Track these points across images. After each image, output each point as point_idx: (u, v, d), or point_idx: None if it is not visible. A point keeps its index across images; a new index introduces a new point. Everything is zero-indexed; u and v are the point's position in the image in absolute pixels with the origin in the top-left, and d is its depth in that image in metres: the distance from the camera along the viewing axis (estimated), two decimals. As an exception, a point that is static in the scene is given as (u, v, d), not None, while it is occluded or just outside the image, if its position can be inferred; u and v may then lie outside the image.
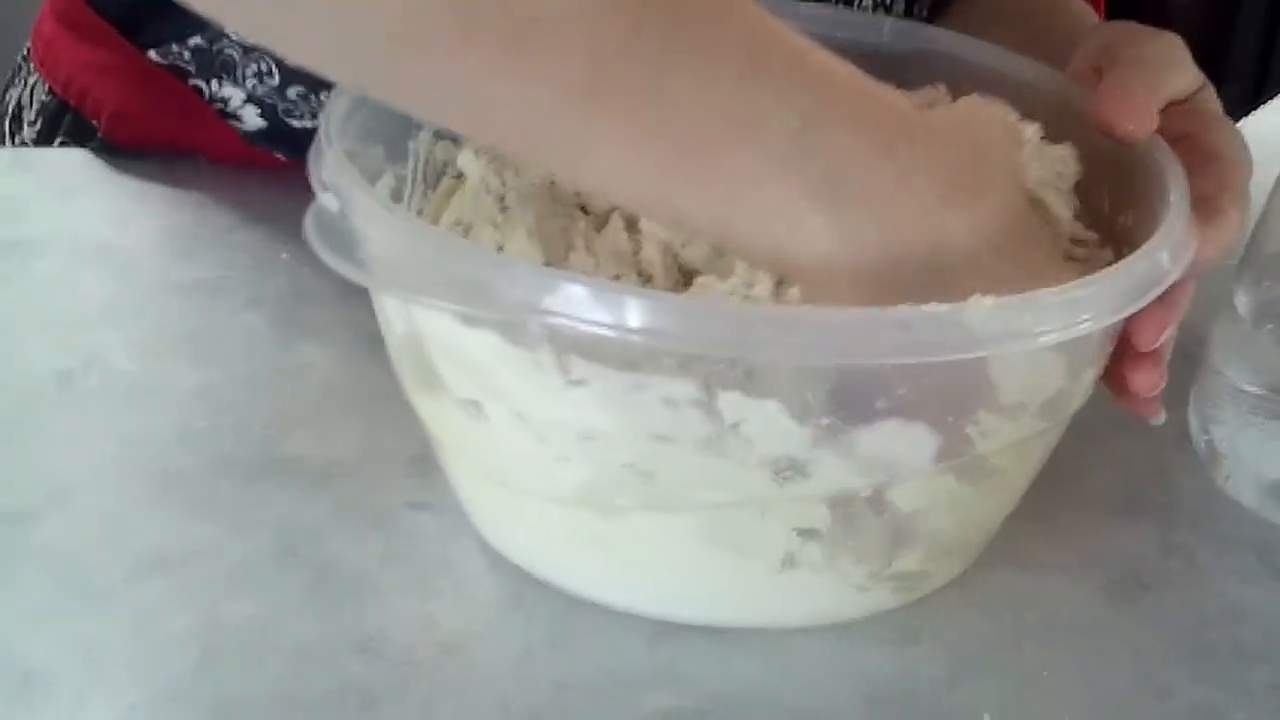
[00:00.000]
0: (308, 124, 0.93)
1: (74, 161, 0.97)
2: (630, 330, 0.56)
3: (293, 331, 0.82)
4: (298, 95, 0.92)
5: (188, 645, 0.64)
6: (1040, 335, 0.59)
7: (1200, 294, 0.78)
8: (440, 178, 0.75)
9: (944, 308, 0.58)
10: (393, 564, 0.69)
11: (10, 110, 1.03)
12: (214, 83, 0.94)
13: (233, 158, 0.95)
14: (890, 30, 0.79)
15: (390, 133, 0.73)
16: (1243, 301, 0.77)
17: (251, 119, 0.94)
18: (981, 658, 0.67)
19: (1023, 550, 0.72)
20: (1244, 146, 0.73)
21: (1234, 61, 2.45)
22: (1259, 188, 0.78)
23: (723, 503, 0.62)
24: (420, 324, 0.64)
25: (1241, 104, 1.10)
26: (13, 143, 1.03)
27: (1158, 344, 0.67)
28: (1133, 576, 0.72)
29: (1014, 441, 0.64)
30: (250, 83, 0.92)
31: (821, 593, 0.66)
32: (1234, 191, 0.71)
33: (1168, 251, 0.64)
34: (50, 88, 1.00)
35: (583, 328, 0.57)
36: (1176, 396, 0.80)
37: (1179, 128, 0.72)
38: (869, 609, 0.68)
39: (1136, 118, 0.69)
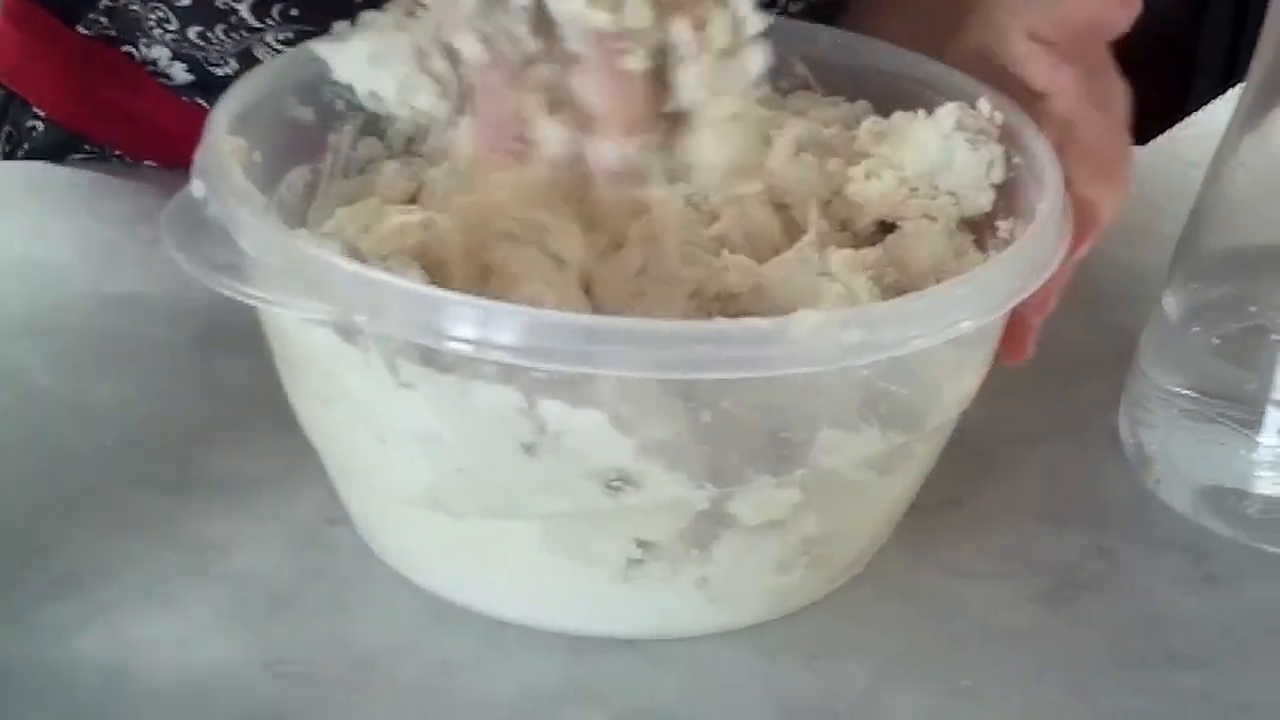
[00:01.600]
0: (229, 70, 0.92)
1: (4, 172, 0.95)
2: (443, 336, 0.57)
3: (214, 345, 0.81)
4: (197, 35, 0.90)
5: (94, 666, 0.63)
6: (867, 353, 0.59)
7: (1130, 295, 0.78)
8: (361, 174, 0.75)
9: (766, 322, 0.57)
10: (307, 580, 0.68)
11: None
12: (140, 45, 0.93)
13: (176, 124, 0.93)
14: (828, 41, 0.78)
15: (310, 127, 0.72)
16: (1171, 304, 0.77)
17: (180, 74, 0.94)
18: (906, 667, 0.66)
19: (951, 557, 0.72)
20: (1124, 87, 0.72)
21: (1202, 54, 2.45)
22: (1191, 187, 0.77)
23: (558, 512, 0.62)
24: (278, 323, 0.64)
25: (1211, 95, 1.09)
26: None
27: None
28: (1063, 582, 0.71)
29: (866, 457, 0.63)
30: (158, 33, 0.91)
31: (675, 603, 0.65)
32: (1121, 147, 0.70)
33: (1022, 264, 0.64)
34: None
35: (392, 331, 0.58)
36: (1107, 399, 0.80)
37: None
38: (741, 621, 0.67)
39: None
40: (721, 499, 0.62)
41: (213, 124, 0.66)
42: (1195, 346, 0.76)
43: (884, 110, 0.75)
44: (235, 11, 0.88)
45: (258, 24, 0.88)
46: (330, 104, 0.73)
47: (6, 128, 0.99)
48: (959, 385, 0.66)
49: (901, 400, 0.62)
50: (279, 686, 0.63)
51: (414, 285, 0.59)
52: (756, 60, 0.63)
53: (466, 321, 0.57)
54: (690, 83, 0.62)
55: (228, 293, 0.60)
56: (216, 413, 0.76)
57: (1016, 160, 0.70)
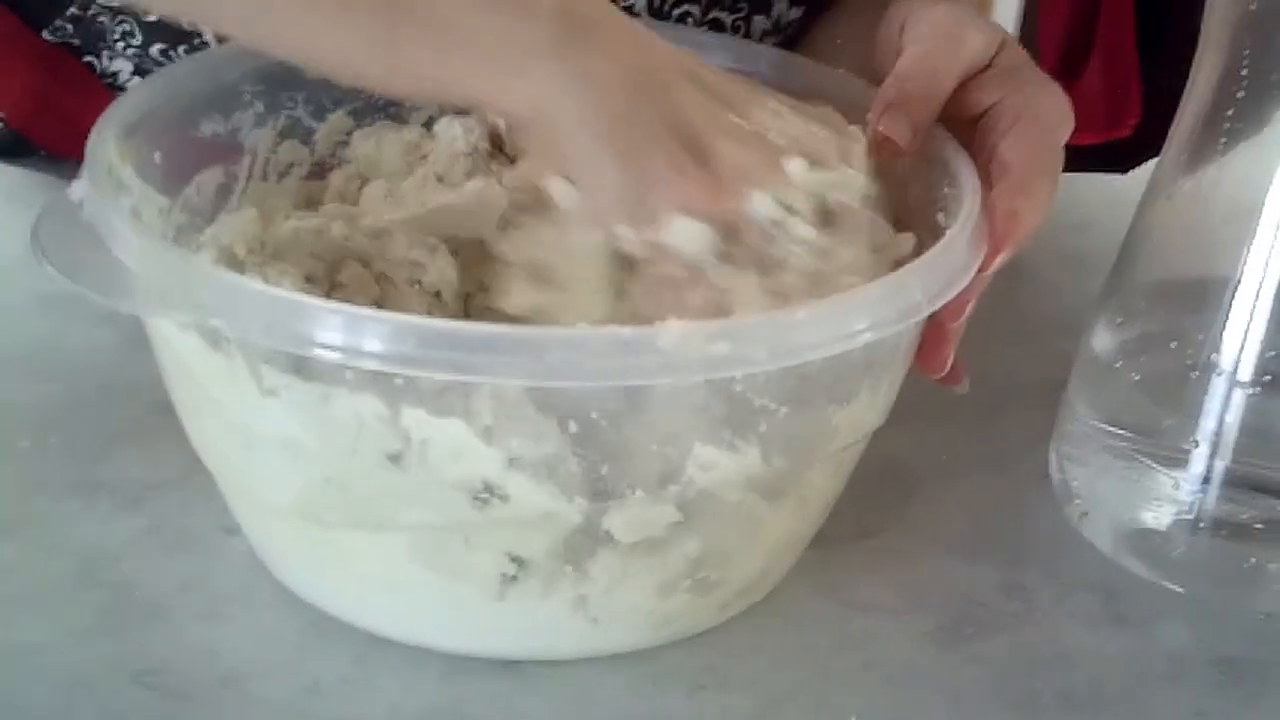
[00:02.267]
0: None
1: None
2: (298, 341, 0.56)
3: (139, 348, 0.79)
4: (159, 53, 0.90)
5: (-41, 671, 0.62)
6: (734, 367, 0.57)
7: (1065, 325, 0.76)
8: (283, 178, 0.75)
9: (630, 330, 0.56)
10: (191, 590, 0.67)
11: None
12: (103, 56, 0.93)
13: None
14: (768, 62, 0.77)
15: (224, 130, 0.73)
16: (1098, 337, 0.75)
17: None
18: (791, 702, 0.65)
19: (852, 589, 0.70)
20: (1058, 98, 0.70)
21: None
22: (1118, 222, 0.75)
23: (426, 524, 0.61)
24: (156, 333, 0.63)
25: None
26: None
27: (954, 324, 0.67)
28: (966, 619, 0.69)
29: (748, 479, 0.61)
30: (121, 46, 0.91)
31: (553, 623, 0.64)
32: (1045, 160, 0.68)
33: (917, 280, 0.62)
34: None
35: (248, 335, 0.57)
36: (1039, 432, 0.78)
37: (989, 96, 0.69)
38: (624, 644, 0.66)
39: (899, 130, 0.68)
40: (595, 514, 0.60)
41: (103, 124, 0.66)
42: (1119, 382, 0.74)
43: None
44: (200, 34, 0.87)
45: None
46: (250, 105, 0.73)
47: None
48: (853, 409, 0.64)
49: (782, 421, 0.61)
50: (143, 698, 0.62)
51: (269, 289, 0.58)
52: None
53: (324, 327, 0.56)
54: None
55: (91, 296, 0.59)
56: (128, 416, 0.76)
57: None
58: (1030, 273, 0.86)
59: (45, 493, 0.71)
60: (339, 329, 0.56)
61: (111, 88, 0.93)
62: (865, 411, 0.65)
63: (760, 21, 0.92)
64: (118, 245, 0.60)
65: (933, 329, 0.67)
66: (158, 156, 0.68)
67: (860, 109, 0.70)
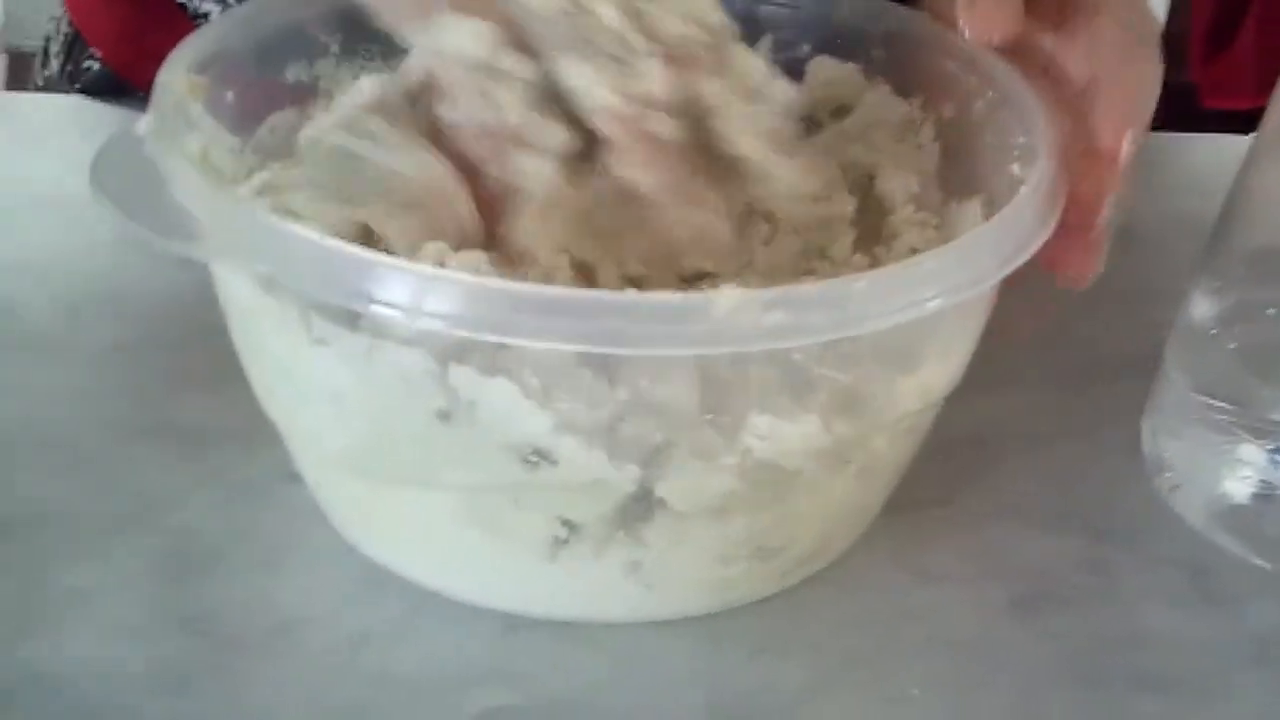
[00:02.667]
0: None
1: (54, 107, 0.96)
2: (343, 293, 0.55)
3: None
4: None
5: (8, 615, 0.62)
6: (791, 337, 0.55)
7: (1170, 292, 0.73)
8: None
9: (683, 297, 0.54)
10: (247, 539, 0.66)
11: (46, 39, 1.04)
12: None
13: None
14: (849, 3, 0.75)
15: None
16: (1199, 307, 0.72)
17: None
18: (852, 671, 0.63)
19: (922, 558, 0.68)
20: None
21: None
22: (1219, 187, 0.72)
23: (474, 484, 0.59)
24: (219, 276, 0.62)
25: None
26: (43, 70, 1.03)
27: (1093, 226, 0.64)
28: (1041, 593, 0.67)
29: (810, 449, 0.59)
30: None
31: (606, 586, 0.62)
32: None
33: (989, 243, 0.59)
34: (70, 20, 0.99)
35: (296, 285, 0.56)
36: (1133, 403, 0.75)
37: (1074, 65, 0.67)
38: (680, 610, 0.64)
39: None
40: (648, 481, 0.58)
41: (174, 59, 0.65)
42: (1216, 351, 0.71)
43: (900, 78, 0.73)
44: None
45: None
46: (326, 48, 0.71)
47: (69, 65, 0.99)
48: (919, 377, 0.61)
49: (844, 389, 0.59)
50: (191, 645, 0.61)
51: (318, 238, 0.56)
52: (786, 91, 0.62)
53: (368, 281, 0.55)
54: (731, 130, 0.60)
55: (145, 236, 0.58)
56: (199, 361, 0.75)
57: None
58: (1135, 236, 0.83)
59: (109, 436, 0.71)
60: (382, 284, 0.54)
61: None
62: (934, 378, 0.62)
63: None
64: (175, 184, 0.59)
65: (1068, 237, 0.63)
66: (230, 96, 0.67)
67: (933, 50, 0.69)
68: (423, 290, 0.54)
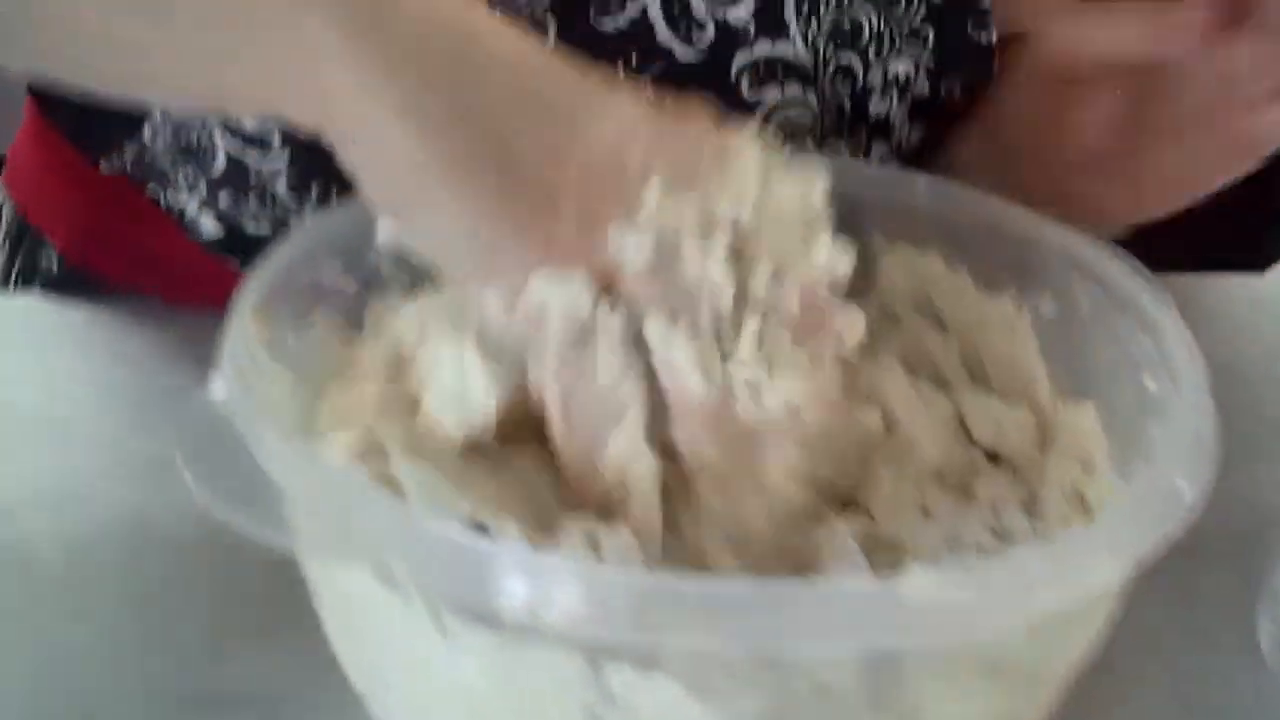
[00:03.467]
0: (264, 232, 0.83)
1: (11, 310, 0.88)
2: (490, 595, 0.50)
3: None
4: (228, 199, 0.82)
5: None
6: (985, 617, 0.51)
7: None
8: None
9: (871, 584, 0.51)
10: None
11: None
12: (167, 192, 0.84)
13: (195, 276, 0.85)
14: (925, 189, 0.70)
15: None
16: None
17: (209, 228, 0.85)
18: None
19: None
20: None
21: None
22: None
23: None
24: None
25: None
26: None
27: None
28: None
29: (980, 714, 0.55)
30: (186, 186, 0.83)
31: None
32: None
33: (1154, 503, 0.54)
34: (16, 208, 0.91)
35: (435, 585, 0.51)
36: (1242, 595, 0.71)
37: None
38: None
39: None
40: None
41: (239, 306, 0.59)
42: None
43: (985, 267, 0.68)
44: (270, 187, 0.80)
45: (294, 205, 0.80)
46: (375, 269, 0.65)
47: (18, 261, 0.91)
48: (1090, 631, 0.57)
49: (1021, 656, 0.54)
50: None
51: (459, 535, 0.51)
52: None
53: (518, 581, 0.50)
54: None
55: (252, 534, 0.52)
56: (240, 609, 0.68)
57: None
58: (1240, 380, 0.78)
59: (160, 706, 0.63)
60: (526, 582, 0.49)
61: (179, 223, 0.86)
62: (1106, 628, 0.58)
63: (880, 148, 0.84)
64: (271, 462, 0.53)
65: None
66: (290, 338, 0.61)
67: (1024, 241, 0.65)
68: (581, 588, 0.49)
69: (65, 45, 0.60)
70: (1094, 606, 0.56)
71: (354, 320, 0.66)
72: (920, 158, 0.86)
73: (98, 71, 0.62)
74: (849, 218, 0.69)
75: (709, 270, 0.56)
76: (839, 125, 0.81)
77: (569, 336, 0.56)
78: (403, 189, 0.56)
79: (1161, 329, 0.61)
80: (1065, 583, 0.52)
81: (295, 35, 0.55)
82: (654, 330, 0.56)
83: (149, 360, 0.83)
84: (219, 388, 0.56)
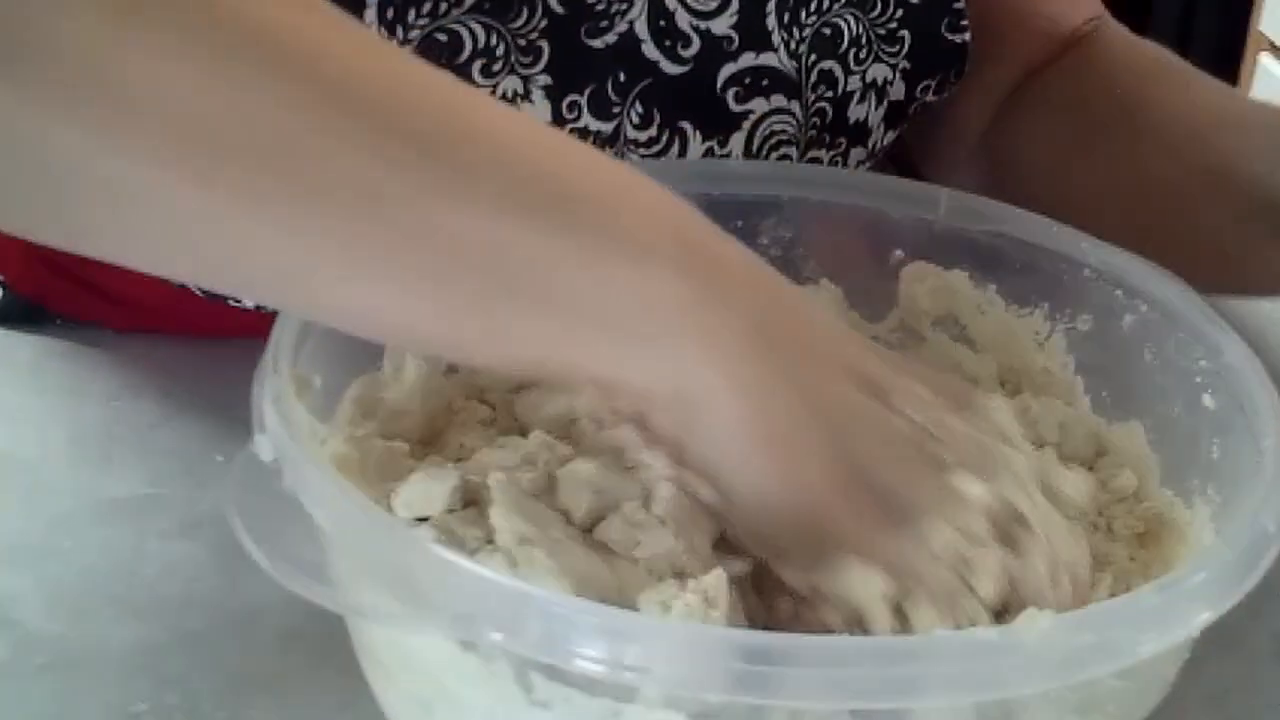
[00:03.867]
0: None
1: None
2: (584, 658, 0.47)
3: (240, 562, 0.68)
4: None
5: None
6: (1103, 660, 0.50)
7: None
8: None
9: (990, 633, 0.49)
10: None
11: None
12: None
13: (146, 305, 0.82)
14: (946, 204, 0.68)
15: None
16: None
17: None
18: None
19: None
20: None
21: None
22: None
23: None
24: None
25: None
26: None
27: None
28: None
29: None
30: None
31: None
32: None
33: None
34: None
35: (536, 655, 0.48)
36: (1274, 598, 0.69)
37: None
38: None
39: None
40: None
41: (278, 351, 0.55)
42: None
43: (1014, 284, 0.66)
44: None
45: None
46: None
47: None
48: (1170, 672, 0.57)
49: (1125, 694, 0.54)
50: None
51: (550, 594, 0.49)
52: None
53: (600, 639, 0.48)
54: None
55: (324, 604, 0.49)
56: (251, 655, 0.64)
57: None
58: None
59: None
60: (621, 643, 0.47)
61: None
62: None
63: (858, 153, 0.84)
64: (338, 529, 0.51)
65: None
66: (318, 380, 0.58)
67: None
68: (683, 651, 0.47)
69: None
70: (1180, 647, 0.55)
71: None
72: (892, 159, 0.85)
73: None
74: (871, 232, 0.68)
75: None
76: (821, 133, 0.81)
77: None
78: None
79: (1219, 347, 0.60)
80: (1169, 629, 0.51)
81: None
82: None
83: (113, 395, 0.78)
84: (263, 447, 0.53)
